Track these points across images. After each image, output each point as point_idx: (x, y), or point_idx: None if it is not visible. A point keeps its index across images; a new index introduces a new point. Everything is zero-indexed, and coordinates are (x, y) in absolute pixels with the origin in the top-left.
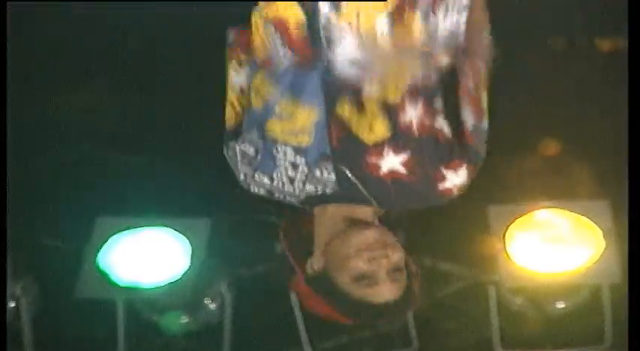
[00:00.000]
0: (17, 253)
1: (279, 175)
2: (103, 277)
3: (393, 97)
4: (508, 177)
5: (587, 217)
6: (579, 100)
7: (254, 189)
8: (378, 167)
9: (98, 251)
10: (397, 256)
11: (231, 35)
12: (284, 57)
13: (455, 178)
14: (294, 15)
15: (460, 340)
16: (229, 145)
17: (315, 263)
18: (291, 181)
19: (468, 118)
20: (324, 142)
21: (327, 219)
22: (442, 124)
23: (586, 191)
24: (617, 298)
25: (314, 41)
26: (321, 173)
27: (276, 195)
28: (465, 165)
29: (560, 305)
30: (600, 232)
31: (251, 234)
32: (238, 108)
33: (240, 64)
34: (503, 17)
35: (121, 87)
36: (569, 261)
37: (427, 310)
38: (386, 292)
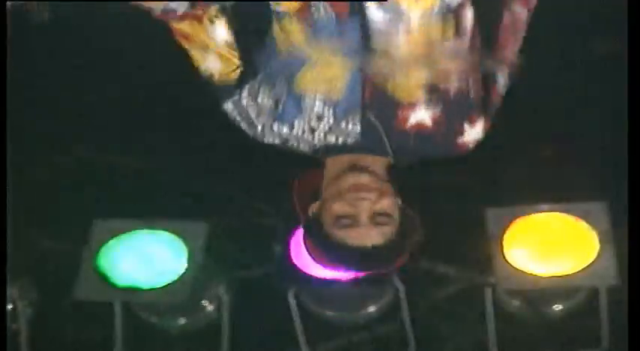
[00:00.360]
0: (15, 255)
1: (301, 123)
2: (101, 279)
3: (433, 61)
4: (506, 179)
5: (585, 219)
6: (577, 101)
7: (268, 139)
8: (406, 120)
9: (96, 253)
10: (385, 202)
11: None
12: (322, 8)
13: (473, 133)
14: None
15: (456, 343)
16: (234, 99)
17: (313, 208)
18: (312, 131)
19: (501, 76)
20: (355, 95)
21: (336, 167)
22: (473, 81)
23: (583, 193)
24: (614, 301)
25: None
26: (347, 124)
27: (291, 143)
28: (483, 119)
29: (557, 308)
30: (597, 235)
31: (248, 236)
32: (235, 59)
33: (211, 20)
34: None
35: (120, 88)
36: (566, 263)
37: (424, 312)
38: (366, 236)
